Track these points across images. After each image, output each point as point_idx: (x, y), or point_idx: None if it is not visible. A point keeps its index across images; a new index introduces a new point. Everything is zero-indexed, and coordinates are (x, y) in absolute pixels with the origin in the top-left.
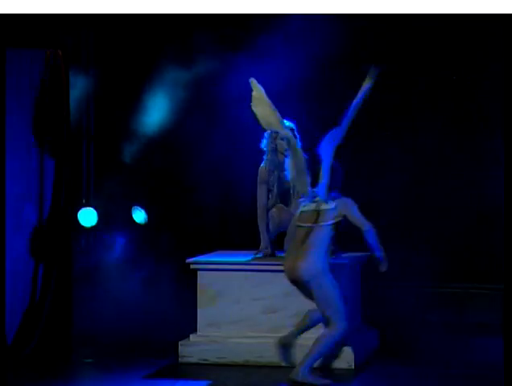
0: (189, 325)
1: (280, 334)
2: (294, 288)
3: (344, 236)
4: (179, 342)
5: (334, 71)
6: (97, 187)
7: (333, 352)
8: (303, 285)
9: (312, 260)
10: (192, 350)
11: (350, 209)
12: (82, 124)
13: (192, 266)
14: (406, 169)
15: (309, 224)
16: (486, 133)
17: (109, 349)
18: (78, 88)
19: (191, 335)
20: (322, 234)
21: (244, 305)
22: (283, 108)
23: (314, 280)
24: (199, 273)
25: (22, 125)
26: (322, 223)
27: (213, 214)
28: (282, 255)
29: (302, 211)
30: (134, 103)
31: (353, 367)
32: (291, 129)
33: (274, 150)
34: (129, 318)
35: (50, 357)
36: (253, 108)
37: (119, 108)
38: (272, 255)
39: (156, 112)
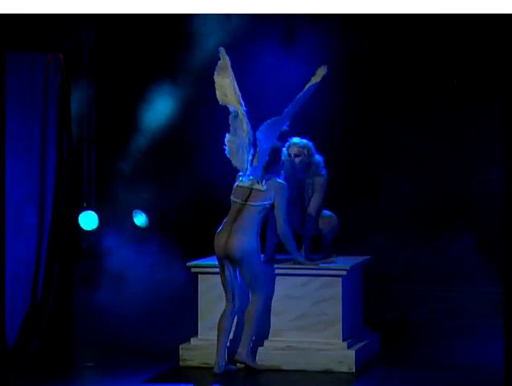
0: (190, 328)
1: (281, 338)
2: (295, 291)
3: (344, 238)
4: (180, 346)
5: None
6: (98, 191)
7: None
8: (233, 262)
9: (244, 239)
10: (193, 353)
11: (280, 196)
12: (83, 127)
13: (192, 269)
14: (409, 175)
15: (240, 201)
16: (486, 134)
17: (109, 352)
18: (79, 90)
19: (192, 339)
20: (253, 214)
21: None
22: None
23: (246, 259)
24: (200, 276)
25: (23, 128)
26: (252, 203)
27: (215, 217)
28: (284, 257)
29: (237, 186)
30: (135, 106)
31: (354, 370)
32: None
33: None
34: (130, 321)
35: (51, 360)
36: (215, 77)
37: (120, 111)
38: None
39: (158, 114)
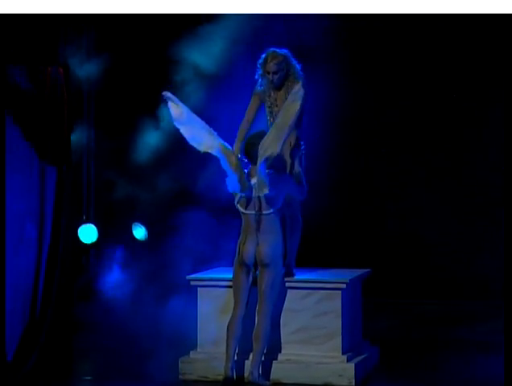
0: (190, 341)
1: (281, 351)
2: (294, 304)
3: (344, 250)
4: (180, 359)
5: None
6: (98, 204)
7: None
8: (258, 267)
9: (273, 244)
10: (192, 367)
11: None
12: (83, 140)
13: (192, 283)
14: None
15: (254, 212)
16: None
17: (108, 366)
18: (79, 104)
19: (191, 352)
20: (273, 220)
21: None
22: None
23: (273, 264)
24: (199, 289)
25: (22, 141)
26: (267, 212)
27: (213, 231)
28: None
29: (243, 197)
30: (136, 118)
31: (354, 384)
32: None
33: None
34: (129, 334)
35: (50, 374)
36: (181, 130)
37: (120, 125)
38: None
39: (159, 126)
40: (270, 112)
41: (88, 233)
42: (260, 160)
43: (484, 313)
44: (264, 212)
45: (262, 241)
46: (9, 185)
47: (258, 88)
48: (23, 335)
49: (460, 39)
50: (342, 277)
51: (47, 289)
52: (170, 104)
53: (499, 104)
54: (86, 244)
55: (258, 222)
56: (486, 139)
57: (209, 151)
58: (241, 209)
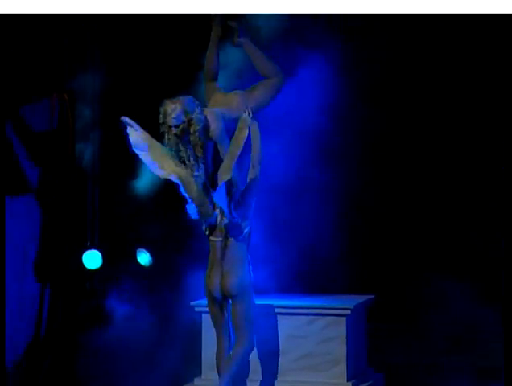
0: (194, 368)
1: (286, 378)
2: (299, 330)
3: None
4: None
5: None
6: (102, 229)
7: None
8: (227, 299)
9: (239, 274)
10: None
11: None
12: (88, 166)
13: (196, 309)
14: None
15: (221, 239)
16: None
17: None
18: (83, 129)
19: (195, 379)
20: (239, 247)
21: None
22: None
23: (240, 295)
24: (203, 315)
25: (28, 164)
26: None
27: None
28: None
29: (210, 225)
30: None
31: None
32: None
33: None
34: (133, 359)
35: None
36: (142, 157)
37: (126, 149)
38: None
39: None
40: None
41: (92, 259)
42: (217, 187)
43: (485, 339)
44: (229, 239)
45: (226, 272)
46: (14, 210)
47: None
48: (27, 360)
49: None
50: (347, 303)
51: (51, 314)
52: (129, 129)
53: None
54: (90, 270)
55: (224, 250)
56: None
57: (168, 177)
58: (208, 236)
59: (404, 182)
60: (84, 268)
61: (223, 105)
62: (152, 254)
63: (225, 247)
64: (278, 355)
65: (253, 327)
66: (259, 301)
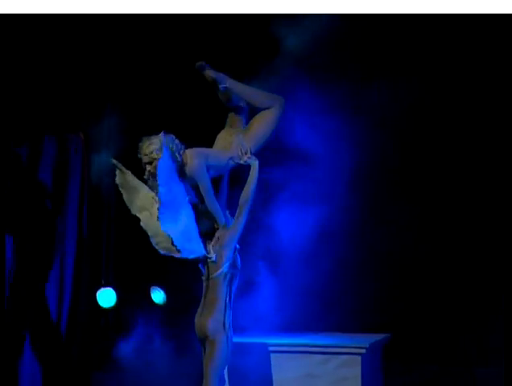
0: None
1: None
2: (314, 369)
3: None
4: None
5: None
6: (116, 268)
7: None
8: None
9: (211, 315)
10: None
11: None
12: (103, 205)
13: None
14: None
15: (205, 277)
16: None
17: None
18: (98, 168)
19: None
20: (218, 286)
21: None
22: None
23: (210, 338)
24: None
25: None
26: (212, 275)
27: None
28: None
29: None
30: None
31: None
32: None
33: None
34: None
35: None
36: (126, 199)
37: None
38: None
39: None
40: None
41: (106, 297)
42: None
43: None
44: (210, 279)
45: (203, 312)
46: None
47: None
48: None
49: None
50: (362, 341)
51: (66, 352)
52: (117, 170)
53: None
54: (105, 308)
55: (206, 289)
56: None
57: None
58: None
59: (413, 222)
60: (99, 306)
61: (221, 145)
62: (166, 292)
63: (207, 287)
64: None
65: (218, 371)
66: (273, 340)
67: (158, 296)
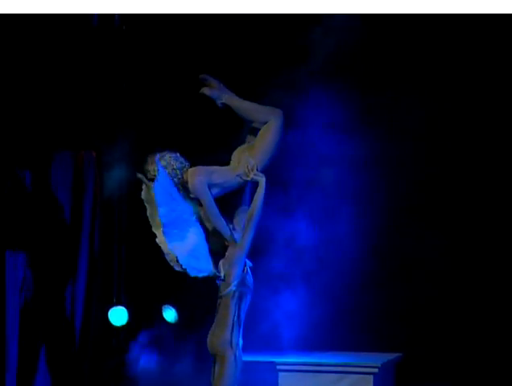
0: None
1: None
2: None
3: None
4: None
5: None
6: (128, 286)
7: None
8: None
9: (218, 333)
10: None
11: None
12: (115, 222)
13: None
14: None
15: (219, 294)
16: None
17: None
18: (110, 186)
19: None
20: (226, 305)
21: None
22: None
23: (218, 356)
24: None
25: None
26: (222, 294)
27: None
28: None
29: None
30: None
31: None
32: None
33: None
34: None
35: None
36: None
37: None
38: None
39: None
40: None
41: (118, 316)
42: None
43: None
44: (221, 297)
45: (213, 330)
46: None
47: None
48: None
49: None
50: (374, 361)
51: (77, 372)
52: (143, 185)
53: None
54: (116, 327)
55: (218, 307)
56: None
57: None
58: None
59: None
60: (111, 325)
61: (233, 161)
62: (178, 310)
63: (219, 304)
64: None
65: None
66: (282, 359)
67: (170, 314)
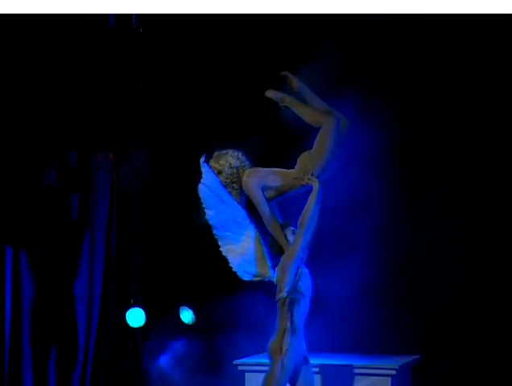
0: None
1: None
2: None
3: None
4: None
5: None
6: (145, 287)
7: None
8: None
9: (273, 338)
10: None
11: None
12: (132, 223)
13: (239, 368)
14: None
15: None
16: None
17: None
18: (127, 186)
19: None
20: (280, 310)
21: None
22: None
23: (270, 360)
24: (246, 374)
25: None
26: (276, 299)
27: (261, 313)
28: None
29: None
30: (184, 202)
31: None
32: None
33: None
34: None
35: None
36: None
37: (169, 208)
38: None
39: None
40: None
41: (135, 317)
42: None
43: None
44: (276, 298)
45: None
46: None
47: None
48: None
49: None
50: (392, 362)
51: (94, 373)
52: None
53: None
54: (134, 328)
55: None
56: None
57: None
58: None
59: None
60: (128, 326)
61: (297, 165)
62: (195, 312)
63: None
64: None
65: None
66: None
67: (187, 316)
